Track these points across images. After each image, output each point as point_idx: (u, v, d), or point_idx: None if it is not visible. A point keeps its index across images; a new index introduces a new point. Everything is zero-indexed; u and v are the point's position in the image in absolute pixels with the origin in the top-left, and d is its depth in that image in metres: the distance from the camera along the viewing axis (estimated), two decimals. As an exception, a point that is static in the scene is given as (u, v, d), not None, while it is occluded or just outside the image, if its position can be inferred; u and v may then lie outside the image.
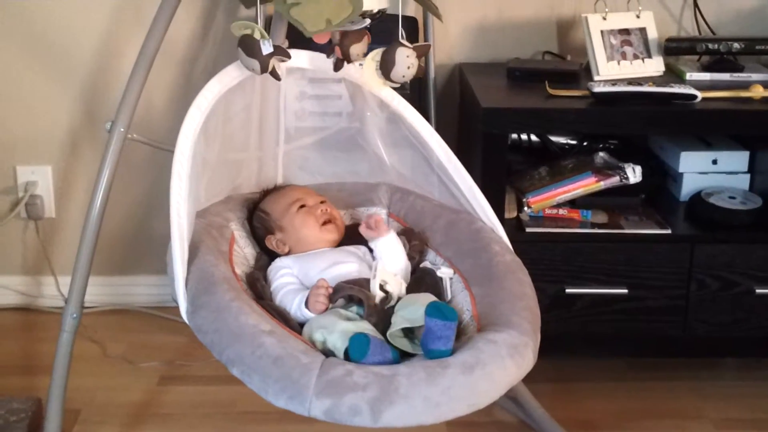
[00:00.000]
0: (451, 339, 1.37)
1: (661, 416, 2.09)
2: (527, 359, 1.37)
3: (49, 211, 2.52)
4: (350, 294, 1.52)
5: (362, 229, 1.68)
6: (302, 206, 1.74)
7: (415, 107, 1.74)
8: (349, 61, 1.63)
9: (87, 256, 1.79)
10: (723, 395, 2.16)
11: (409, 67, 1.60)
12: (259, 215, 1.76)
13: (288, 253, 1.71)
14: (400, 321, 1.45)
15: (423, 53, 1.63)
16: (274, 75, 1.59)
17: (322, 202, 1.75)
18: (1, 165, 2.49)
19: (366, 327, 1.45)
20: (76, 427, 2.03)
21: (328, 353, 1.39)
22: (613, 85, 2.01)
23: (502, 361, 1.33)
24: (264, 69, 1.56)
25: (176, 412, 2.11)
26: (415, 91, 2.21)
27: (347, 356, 1.37)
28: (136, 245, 2.56)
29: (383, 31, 1.66)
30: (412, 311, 1.44)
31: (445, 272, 1.62)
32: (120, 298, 2.57)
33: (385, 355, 1.37)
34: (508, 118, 2.02)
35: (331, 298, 1.53)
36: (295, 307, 1.55)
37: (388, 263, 1.61)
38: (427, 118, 1.79)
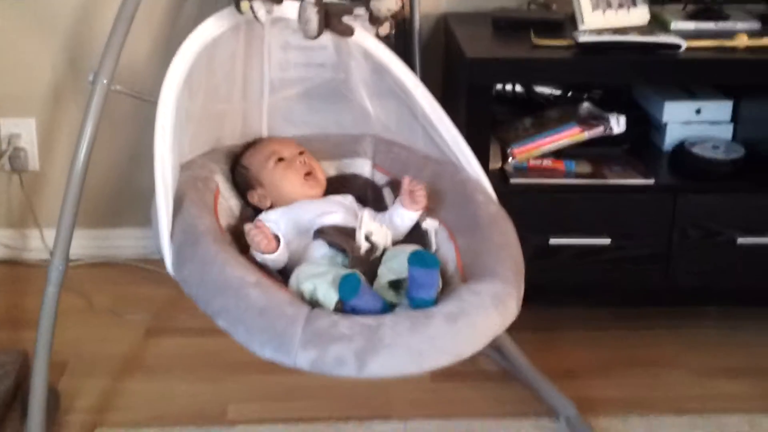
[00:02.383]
0: (433, 287, 1.38)
1: (642, 365, 2.13)
2: (510, 309, 1.38)
3: (33, 164, 2.51)
4: (332, 240, 1.52)
5: (405, 193, 1.63)
6: (280, 159, 1.73)
7: (401, 58, 1.73)
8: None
9: (71, 209, 1.78)
10: (704, 344, 2.19)
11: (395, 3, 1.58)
12: (239, 170, 1.75)
13: (271, 207, 1.71)
14: (386, 273, 1.45)
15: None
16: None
17: (300, 153, 1.75)
18: (-16, 118, 2.47)
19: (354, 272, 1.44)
20: (63, 378, 2.04)
21: (315, 304, 1.39)
22: (599, 34, 2.01)
23: (486, 311, 1.33)
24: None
25: (163, 363, 2.12)
26: (400, 42, 2.19)
27: (338, 307, 1.37)
28: (121, 197, 2.56)
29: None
30: (397, 262, 1.45)
31: (429, 224, 1.61)
32: (105, 251, 2.57)
33: (375, 299, 1.38)
34: (493, 69, 2.01)
35: (315, 236, 1.53)
36: (259, 260, 1.53)
37: (394, 231, 1.60)
38: (413, 69, 1.78)
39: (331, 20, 1.52)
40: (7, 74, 2.43)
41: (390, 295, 1.44)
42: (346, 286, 1.36)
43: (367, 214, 1.57)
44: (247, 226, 1.53)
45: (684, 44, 1.99)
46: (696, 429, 1.91)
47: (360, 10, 2.13)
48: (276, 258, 1.53)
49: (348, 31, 1.54)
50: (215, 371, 2.08)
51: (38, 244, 2.54)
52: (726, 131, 2.21)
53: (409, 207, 1.63)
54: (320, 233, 1.54)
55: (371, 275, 1.47)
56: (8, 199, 2.55)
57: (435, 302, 1.37)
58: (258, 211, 1.71)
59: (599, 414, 1.95)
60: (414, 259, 1.38)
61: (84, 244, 2.49)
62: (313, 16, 1.50)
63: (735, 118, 2.21)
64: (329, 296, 1.39)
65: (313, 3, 1.49)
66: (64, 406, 1.96)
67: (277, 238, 1.53)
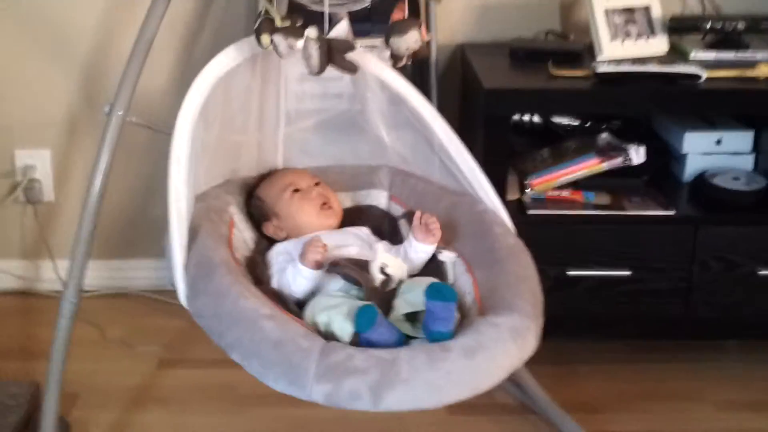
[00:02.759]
0: (451, 320, 1.36)
1: (662, 398, 2.09)
2: (529, 342, 1.36)
3: (47, 195, 2.51)
4: (346, 273, 1.50)
5: (416, 227, 1.60)
6: (296, 190, 1.71)
7: (417, 88, 1.72)
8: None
9: (85, 241, 1.77)
10: (724, 377, 2.16)
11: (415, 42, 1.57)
12: (254, 202, 1.74)
13: (286, 239, 1.69)
14: (402, 305, 1.43)
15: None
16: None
17: (316, 184, 1.73)
18: (0, 149, 2.46)
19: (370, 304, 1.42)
20: (74, 411, 2.02)
21: (329, 337, 1.38)
22: (617, 64, 1.99)
23: (504, 345, 1.31)
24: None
25: (176, 396, 2.10)
26: (416, 72, 2.18)
27: (353, 340, 1.36)
28: (134, 229, 2.55)
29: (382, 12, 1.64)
30: (414, 295, 1.43)
31: (447, 256, 1.59)
32: (119, 282, 2.56)
33: (391, 331, 1.36)
34: (511, 100, 2.00)
35: (330, 268, 1.51)
36: (291, 275, 1.53)
37: (410, 265, 1.59)
38: (429, 100, 1.76)
39: (334, 56, 1.51)
40: (23, 105, 2.43)
41: (406, 328, 1.42)
42: (362, 318, 1.34)
43: (382, 246, 1.56)
44: (315, 238, 1.52)
45: (704, 74, 1.98)
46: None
47: (377, 41, 2.13)
48: (314, 278, 1.52)
49: (352, 68, 1.52)
50: (229, 404, 2.05)
51: (51, 275, 2.53)
52: (747, 162, 2.18)
53: (423, 240, 1.60)
54: (334, 266, 1.52)
55: (386, 308, 1.45)
56: (22, 230, 2.54)
57: (452, 335, 1.35)
58: (273, 242, 1.70)
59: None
60: (431, 292, 1.37)
61: (97, 275, 2.47)
62: (314, 52, 1.49)
63: (756, 149, 2.18)
64: (344, 328, 1.38)
65: (315, 39, 1.49)
66: (76, 438, 1.94)
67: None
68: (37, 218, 2.51)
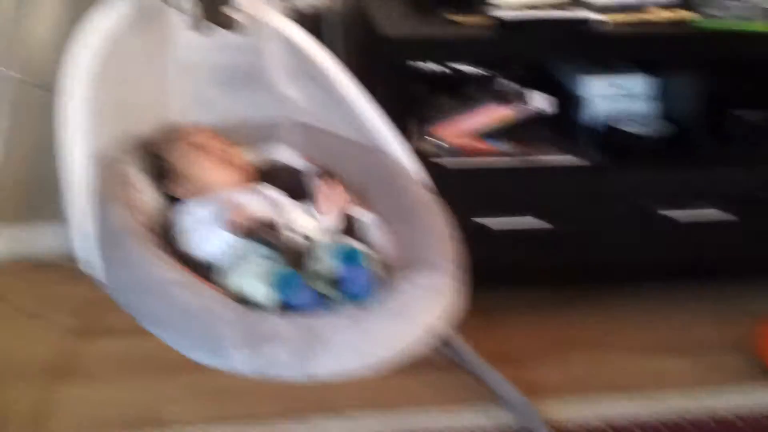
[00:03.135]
0: (364, 284, 1.35)
1: (582, 346, 2.11)
2: (451, 299, 1.36)
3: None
4: (263, 237, 1.46)
5: (318, 200, 1.57)
6: (194, 145, 1.65)
7: (315, 37, 1.69)
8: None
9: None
10: (640, 322, 2.19)
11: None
12: (154, 161, 1.66)
13: (190, 196, 1.62)
14: (317, 268, 1.40)
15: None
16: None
17: (218, 139, 1.68)
18: None
19: (281, 265, 1.39)
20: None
21: (242, 301, 1.34)
22: (515, 10, 1.97)
23: (425, 303, 1.32)
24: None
25: (97, 367, 2.04)
26: (314, 22, 2.13)
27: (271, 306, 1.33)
28: (35, 191, 2.42)
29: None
30: (328, 257, 1.40)
31: (361, 214, 1.58)
32: (24, 249, 2.45)
33: (312, 296, 1.34)
34: (412, 48, 1.97)
35: (248, 235, 1.47)
36: (203, 237, 1.48)
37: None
38: (330, 50, 1.72)
39: (209, 12, 1.46)
40: None
41: (321, 287, 1.38)
42: (284, 285, 1.32)
43: (290, 206, 1.52)
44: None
45: (603, 18, 1.98)
46: (637, 407, 1.91)
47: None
48: (231, 241, 1.47)
49: (229, 23, 1.48)
50: (148, 372, 1.99)
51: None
52: (647, 107, 2.21)
53: (327, 212, 1.57)
54: (250, 233, 1.47)
55: (299, 266, 1.42)
56: None
57: (372, 296, 1.34)
58: (175, 200, 1.63)
59: (543, 397, 1.93)
60: (341, 257, 1.36)
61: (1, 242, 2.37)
62: (185, 5, 1.44)
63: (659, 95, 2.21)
64: (257, 289, 1.35)
65: None
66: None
67: None
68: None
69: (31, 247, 2.47)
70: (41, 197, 2.43)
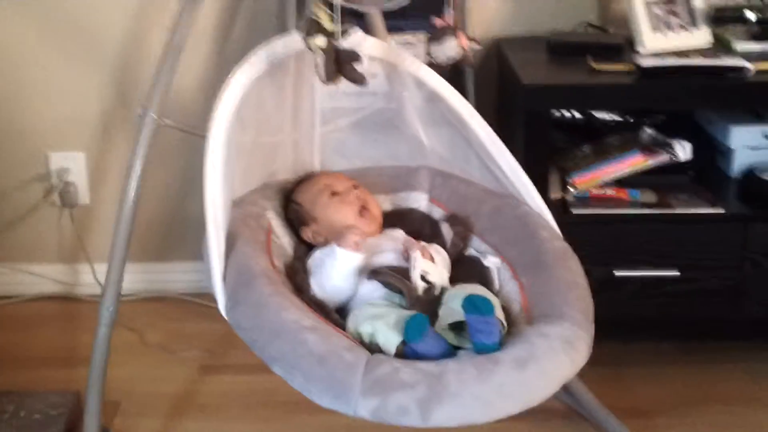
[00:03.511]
0: (493, 333, 1.32)
1: (713, 402, 2.03)
2: (581, 353, 1.32)
3: (83, 198, 2.49)
4: (388, 281, 1.47)
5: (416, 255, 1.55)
6: (334, 194, 1.68)
7: (453, 85, 1.68)
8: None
9: (121, 248, 1.75)
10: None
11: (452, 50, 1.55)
12: (292, 206, 1.71)
13: (325, 244, 1.65)
14: (447, 314, 1.39)
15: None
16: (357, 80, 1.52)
17: (355, 187, 1.70)
18: (34, 152, 2.45)
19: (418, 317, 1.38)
20: (116, 419, 2.00)
21: (374, 348, 1.35)
22: (661, 58, 1.94)
23: (556, 356, 1.28)
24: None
25: (217, 402, 2.08)
26: (451, 69, 2.14)
27: (399, 351, 1.33)
28: (171, 231, 2.53)
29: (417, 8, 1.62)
30: (456, 304, 1.38)
31: (492, 261, 1.56)
32: (157, 285, 2.54)
33: (439, 342, 1.33)
34: (551, 96, 1.96)
35: (369, 275, 1.49)
36: (328, 269, 1.51)
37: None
38: (466, 97, 1.72)
39: (342, 66, 1.48)
40: (56, 108, 2.41)
41: (451, 338, 1.38)
42: (412, 328, 1.31)
43: (419, 254, 1.52)
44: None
45: (752, 67, 1.92)
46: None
47: (412, 37, 2.09)
48: (354, 264, 1.50)
49: (360, 79, 1.50)
50: (270, 410, 2.02)
51: (90, 279, 2.51)
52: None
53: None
54: (375, 274, 1.49)
55: (431, 317, 1.41)
56: (59, 234, 2.53)
57: (499, 347, 1.31)
58: (312, 248, 1.66)
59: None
60: (468, 306, 1.34)
61: (135, 279, 2.44)
62: (320, 61, 1.46)
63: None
64: (390, 339, 1.35)
65: (323, 48, 1.46)
66: (118, 448, 1.93)
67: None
68: (73, 222, 2.50)
69: (164, 284, 2.55)
70: (175, 238, 2.54)
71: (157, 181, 2.41)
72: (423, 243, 1.60)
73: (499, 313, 1.38)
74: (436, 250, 1.61)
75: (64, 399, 1.95)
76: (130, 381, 2.11)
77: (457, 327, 1.39)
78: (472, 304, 1.34)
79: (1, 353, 2.26)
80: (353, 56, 1.48)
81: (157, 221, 2.50)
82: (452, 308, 1.40)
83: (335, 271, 1.51)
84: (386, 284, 1.49)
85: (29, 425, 1.88)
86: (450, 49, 1.58)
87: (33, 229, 2.51)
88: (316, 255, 1.60)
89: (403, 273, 1.50)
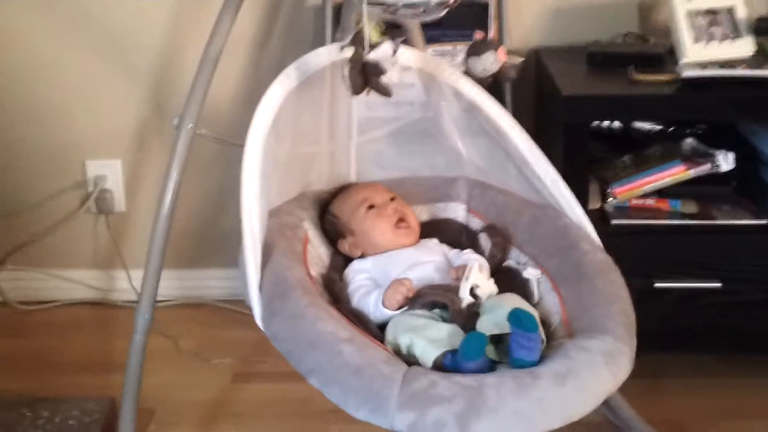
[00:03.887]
0: (534, 349, 1.30)
1: (755, 416, 2.00)
2: (623, 367, 1.30)
3: (119, 206, 2.50)
4: (433, 300, 1.45)
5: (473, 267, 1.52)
6: (371, 206, 1.67)
7: (491, 94, 1.66)
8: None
9: (157, 257, 1.76)
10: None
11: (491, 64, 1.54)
12: (328, 218, 1.70)
13: (362, 256, 1.65)
14: (488, 326, 1.37)
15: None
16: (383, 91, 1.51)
17: (392, 199, 1.68)
18: (71, 160, 2.47)
19: (458, 332, 1.37)
20: (151, 426, 2.00)
21: (411, 360, 1.34)
22: (703, 68, 1.91)
23: (597, 370, 1.26)
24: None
25: (252, 410, 2.07)
26: (489, 78, 2.13)
27: (437, 364, 1.31)
28: (207, 239, 2.53)
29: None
30: (498, 316, 1.37)
31: (531, 273, 1.53)
32: (192, 292, 2.55)
33: (486, 360, 1.30)
34: (592, 107, 1.94)
35: (413, 303, 1.46)
36: (373, 304, 1.49)
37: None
38: (504, 107, 1.70)
39: (369, 79, 1.48)
40: (93, 116, 2.43)
41: (489, 351, 1.35)
42: (471, 347, 1.29)
43: (477, 266, 1.49)
44: (404, 281, 1.48)
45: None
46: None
47: (448, 46, 2.08)
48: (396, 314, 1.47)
49: (385, 92, 1.49)
50: (305, 419, 2.01)
51: (125, 285, 2.52)
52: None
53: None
54: (419, 299, 1.47)
55: (469, 327, 1.40)
56: (95, 241, 2.54)
57: (536, 363, 1.29)
58: (348, 260, 1.65)
59: (710, 470, 1.86)
60: (513, 320, 1.31)
61: (170, 285, 2.45)
62: (347, 73, 1.45)
63: None
64: (427, 353, 1.33)
65: (350, 60, 1.45)
66: (153, 455, 1.93)
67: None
68: (109, 229, 2.51)
69: (199, 291, 2.56)
70: (210, 245, 2.54)
71: (194, 190, 2.41)
72: (479, 258, 1.58)
73: (541, 330, 1.36)
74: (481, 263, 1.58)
75: (99, 405, 1.96)
76: (164, 388, 2.11)
77: (496, 340, 1.36)
78: (516, 318, 1.31)
79: (36, 358, 2.29)
80: (378, 70, 1.47)
81: (193, 229, 2.51)
82: (495, 321, 1.37)
83: (377, 313, 1.49)
84: (432, 304, 1.46)
85: (64, 431, 1.88)
86: (488, 62, 1.57)
87: (70, 235, 2.52)
88: (356, 277, 1.59)
89: (445, 288, 1.48)
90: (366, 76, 1.47)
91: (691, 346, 2.10)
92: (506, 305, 1.39)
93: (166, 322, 2.33)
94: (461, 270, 1.49)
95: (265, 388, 2.14)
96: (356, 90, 1.48)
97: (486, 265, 1.56)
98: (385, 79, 1.48)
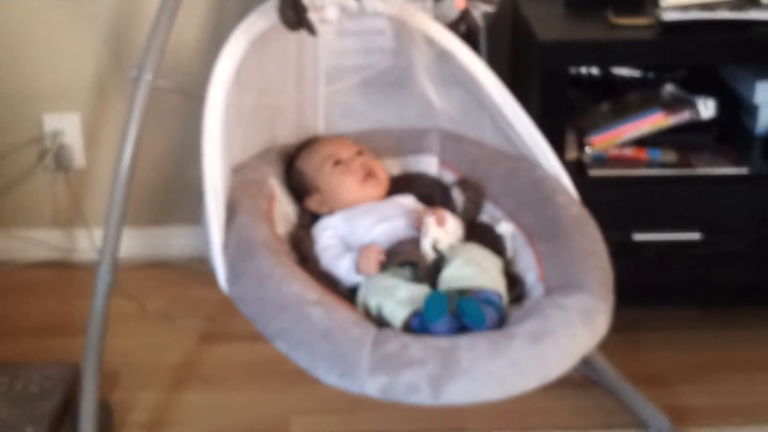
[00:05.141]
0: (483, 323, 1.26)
1: (737, 368, 1.99)
2: (600, 325, 1.28)
3: (78, 161, 2.41)
4: (402, 260, 1.40)
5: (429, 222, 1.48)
6: (337, 162, 1.61)
7: (465, 42, 1.61)
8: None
9: (118, 215, 1.68)
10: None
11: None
12: (294, 175, 1.64)
13: (329, 213, 1.59)
14: (447, 282, 1.36)
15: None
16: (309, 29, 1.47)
17: (359, 153, 1.63)
18: (28, 113, 2.37)
19: (426, 291, 1.33)
20: (116, 391, 1.95)
21: (382, 322, 1.29)
22: (684, 11, 1.85)
23: (574, 329, 1.23)
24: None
25: (220, 372, 2.03)
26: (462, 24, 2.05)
27: (406, 324, 1.27)
28: (170, 194, 2.45)
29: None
30: (455, 267, 1.36)
31: (505, 228, 1.49)
32: (156, 250, 2.47)
33: (453, 321, 1.26)
34: (569, 52, 1.88)
35: (384, 266, 1.41)
36: (344, 271, 1.44)
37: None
38: (478, 54, 1.64)
39: (300, 15, 1.47)
40: (49, 68, 2.33)
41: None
42: (432, 308, 1.25)
43: (432, 221, 1.45)
44: (373, 246, 1.42)
45: (779, 19, 1.83)
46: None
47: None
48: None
49: (311, 30, 1.50)
50: (276, 380, 1.96)
51: (87, 244, 2.44)
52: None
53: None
54: (388, 260, 1.42)
55: (432, 281, 1.39)
56: (54, 198, 2.46)
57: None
58: (317, 217, 1.60)
59: (692, 424, 1.82)
60: (462, 312, 1.27)
61: (133, 244, 2.37)
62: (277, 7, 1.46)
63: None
64: (396, 313, 1.29)
65: None
66: (118, 421, 1.87)
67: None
68: (69, 185, 2.42)
69: (164, 249, 2.48)
70: (175, 201, 2.47)
71: (156, 144, 2.32)
72: (440, 209, 1.53)
73: (498, 279, 1.36)
74: (450, 216, 1.53)
75: (62, 370, 1.89)
76: (129, 351, 2.06)
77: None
78: (463, 312, 1.26)
79: (-5, 322, 2.23)
80: (302, 5, 1.46)
81: (155, 185, 2.43)
82: (453, 275, 1.36)
83: (348, 278, 1.43)
84: (401, 263, 1.41)
85: (25, 398, 1.82)
86: (445, 8, 1.51)
87: (27, 193, 2.43)
88: (324, 234, 1.53)
89: (415, 243, 1.44)
90: (299, 13, 1.43)
91: (671, 299, 2.07)
92: (461, 256, 1.38)
93: (130, 283, 2.26)
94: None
95: (234, 349, 2.09)
96: (290, 26, 1.45)
97: (450, 217, 1.50)
98: (318, 17, 1.47)
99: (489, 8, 1.62)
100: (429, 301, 1.26)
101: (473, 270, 1.36)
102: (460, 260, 1.38)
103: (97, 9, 2.28)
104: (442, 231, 1.45)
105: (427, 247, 1.42)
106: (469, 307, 1.27)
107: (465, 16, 1.57)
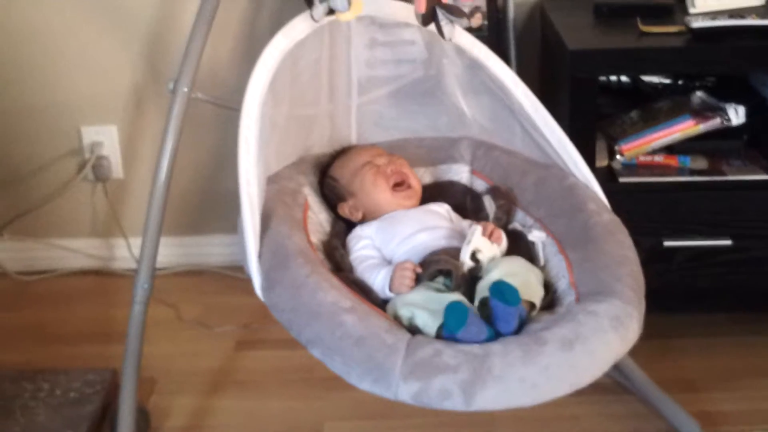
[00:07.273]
0: (511, 322, 1.27)
1: (766, 374, 1.98)
2: (632, 331, 1.28)
3: (116, 172, 2.45)
4: (439, 269, 1.41)
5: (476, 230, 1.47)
6: (371, 168, 1.63)
7: (495, 52, 1.61)
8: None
9: (156, 225, 1.72)
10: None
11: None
12: (328, 182, 1.66)
13: (363, 220, 1.60)
14: (481, 291, 1.35)
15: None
16: None
17: (392, 161, 1.64)
18: (66, 126, 2.41)
19: (458, 299, 1.33)
20: (153, 397, 1.98)
21: (414, 330, 1.30)
22: (713, 18, 1.85)
23: (605, 335, 1.23)
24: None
25: (255, 378, 2.05)
26: (493, 34, 2.07)
27: (438, 335, 1.27)
28: (206, 204, 2.49)
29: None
30: (490, 280, 1.34)
31: (536, 236, 1.50)
32: (193, 259, 2.50)
33: (481, 329, 1.26)
34: (599, 61, 1.87)
35: (419, 278, 1.42)
36: (378, 286, 1.45)
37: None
38: (508, 63, 1.66)
39: None
40: (87, 81, 2.37)
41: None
42: (452, 318, 1.25)
43: (479, 229, 1.45)
44: (407, 264, 1.43)
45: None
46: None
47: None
48: None
49: None
50: (310, 387, 1.99)
51: (125, 253, 2.49)
52: None
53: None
54: (423, 271, 1.42)
55: (472, 291, 1.38)
56: (93, 209, 2.50)
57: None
58: (350, 224, 1.62)
59: (722, 430, 1.82)
60: (495, 291, 1.28)
61: (170, 252, 2.42)
62: None
63: None
64: (429, 324, 1.29)
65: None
66: (154, 426, 1.90)
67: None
68: (107, 196, 2.47)
69: (200, 258, 2.52)
70: (211, 210, 2.50)
71: (192, 155, 2.36)
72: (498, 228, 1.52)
73: (538, 291, 1.36)
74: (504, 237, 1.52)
75: (101, 376, 1.93)
76: (166, 357, 2.09)
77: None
78: (498, 291, 1.28)
79: (36, 330, 2.26)
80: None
81: (192, 195, 2.46)
82: (486, 285, 1.35)
83: (383, 293, 1.44)
84: (437, 272, 1.42)
85: (65, 403, 1.86)
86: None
87: (67, 204, 2.48)
88: (358, 244, 1.55)
89: (450, 253, 1.45)
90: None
91: (702, 305, 2.06)
92: (501, 268, 1.37)
93: (167, 291, 2.29)
94: None
95: (269, 356, 2.11)
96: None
97: (504, 239, 1.50)
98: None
99: (460, 24, 1.62)
100: (448, 312, 1.26)
101: (513, 282, 1.34)
102: (499, 272, 1.37)
103: (134, 23, 2.31)
104: (487, 241, 1.45)
105: (466, 255, 1.41)
106: (504, 285, 1.28)
107: (427, 21, 1.56)
